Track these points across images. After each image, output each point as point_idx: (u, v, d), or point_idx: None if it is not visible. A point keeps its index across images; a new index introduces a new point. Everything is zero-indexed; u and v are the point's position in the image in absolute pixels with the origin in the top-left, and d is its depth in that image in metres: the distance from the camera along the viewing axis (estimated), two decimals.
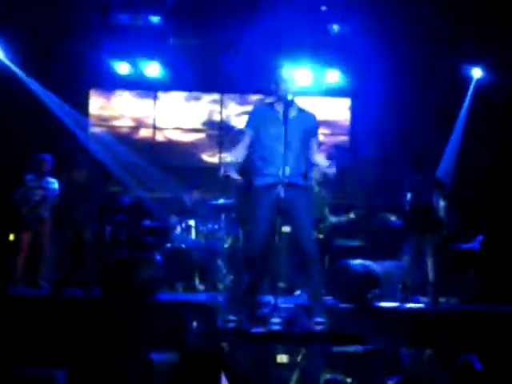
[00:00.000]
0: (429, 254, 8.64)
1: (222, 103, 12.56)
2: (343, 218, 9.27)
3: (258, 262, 5.95)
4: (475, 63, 11.19)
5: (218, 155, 12.35)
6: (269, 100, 6.11)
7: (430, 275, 8.60)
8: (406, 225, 9.01)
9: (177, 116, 12.48)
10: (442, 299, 8.61)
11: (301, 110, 6.09)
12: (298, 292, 8.54)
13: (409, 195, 8.83)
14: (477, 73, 11.32)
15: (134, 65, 11.68)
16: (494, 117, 10.83)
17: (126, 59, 11.62)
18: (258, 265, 5.97)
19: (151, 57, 11.63)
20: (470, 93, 11.44)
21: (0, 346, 5.13)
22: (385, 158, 11.36)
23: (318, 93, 11.86)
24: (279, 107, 5.98)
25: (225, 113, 12.54)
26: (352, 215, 9.31)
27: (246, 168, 6.55)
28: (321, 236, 8.66)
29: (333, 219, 9.20)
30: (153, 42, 11.41)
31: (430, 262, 8.62)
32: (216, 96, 12.57)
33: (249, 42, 10.80)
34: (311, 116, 6.17)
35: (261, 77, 6.65)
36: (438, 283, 8.60)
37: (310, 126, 6.07)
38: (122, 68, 11.67)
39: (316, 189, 9.00)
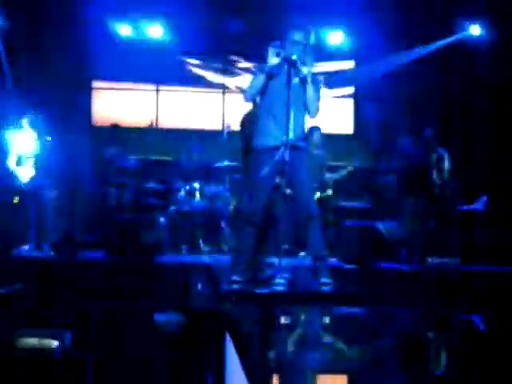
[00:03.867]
0: (422, 215, 8.69)
1: (224, 67, 12.43)
2: (337, 175, 9.33)
3: (260, 223, 5.97)
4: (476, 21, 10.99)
5: (221, 118, 12.27)
6: (274, 60, 6.01)
7: (419, 235, 8.64)
8: (402, 186, 9.04)
9: (180, 79, 12.36)
10: (444, 260, 8.64)
11: (305, 73, 6.02)
12: (302, 253, 8.59)
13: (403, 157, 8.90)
14: (475, 30, 11.06)
15: (135, 27, 11.55)
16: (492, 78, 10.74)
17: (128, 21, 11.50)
18: (261, 226, 5.99)
19: (154, 18, 11.49)
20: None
21: (6, 307, 5.17)
22: (388, 122, 11.28)
23: (320, 56, 11.72)
24: (284, 69, 5.93)
25: (229, 77, 12.41)
26: (344, 172, 9.36)
27: (250, 129, 6.54)
28: (322, 196, 8.71)
29: (327, 176, 9.25)
30: (155, 4, 11.27)
31: (421, 223, 8.69)
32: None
33: (255, 4, 10.73)
34: (316, 79, 6.12)
35: (266, 39, 6.57)
36: (425, 244, 8.63)
37: (313, 89, 6.01)
38: (124, 30, 11.55)
39: (314, 151, 9.01)
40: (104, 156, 9.73)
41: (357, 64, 12.23)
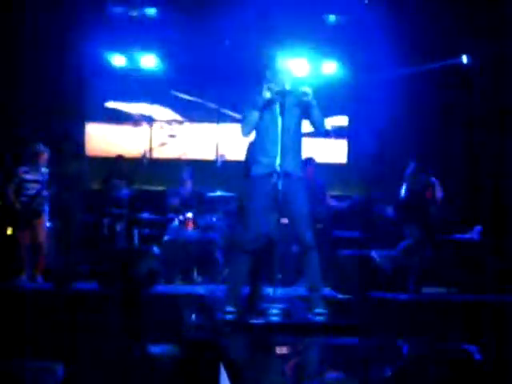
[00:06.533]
0: (419, 244, 8.68)
1: (218, 96, 12.46)
2: (343, 204, 9.36)
3: (254, 253, 5.93)
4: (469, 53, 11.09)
5: (215, 148, 12.28)
6: (267, 95, 5.97)
7: (416, 265, 8.61)
8: (400, 216, 9.03)
9: (174, 108, 12.40)
10: (440, 289, 8.62)
11: (295, 94, 6.00)
12: (297, 283, 8.54)
13: (404, 187, 8.91)
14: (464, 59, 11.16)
15: (129, 57, 11.61)
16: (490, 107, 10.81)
17: (122, 52, 11.56)
18: (255, 255, 5.95)
19: (147, 49, 11.56)
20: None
21: (1, 338, 5.11)
22: (383, 151, 11.30)
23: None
24: (277, 98, 5.91)
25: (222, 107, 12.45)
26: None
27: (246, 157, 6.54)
28: (319, 226, 8.68)
29: (333, 203, 9.27)
30: (149, 35, 11.33)
31: (419, 252, 8.67)
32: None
33: (245, 33, 10.78)
34: (305, 94, 5.95)
35: (257, 68, 6.61)
36: (421, 273, 8.60)
37: (305, 107, 5.97)
38: (118, 60, 11.60)
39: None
40: (97, 186, 9.71)
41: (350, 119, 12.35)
